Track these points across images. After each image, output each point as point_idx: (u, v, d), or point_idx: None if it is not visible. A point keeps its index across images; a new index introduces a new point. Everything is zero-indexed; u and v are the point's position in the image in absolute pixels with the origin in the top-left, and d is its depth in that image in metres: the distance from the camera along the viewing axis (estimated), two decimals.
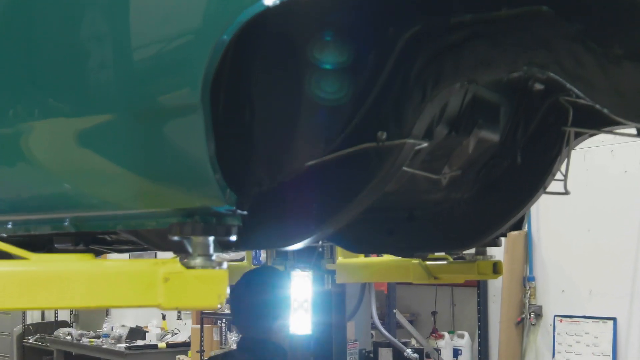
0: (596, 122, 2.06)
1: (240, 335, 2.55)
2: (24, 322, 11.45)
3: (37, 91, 1.45)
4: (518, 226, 2.52)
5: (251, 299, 2.43)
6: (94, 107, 1.40)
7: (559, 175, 2.23)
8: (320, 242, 1.85)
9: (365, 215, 2.44)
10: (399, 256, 2.47)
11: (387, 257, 2.96)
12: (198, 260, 1.43)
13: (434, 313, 6.29)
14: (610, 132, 2.12)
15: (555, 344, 5.83)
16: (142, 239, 1.85)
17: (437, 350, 5.95)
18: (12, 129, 1.47)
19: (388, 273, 2.90)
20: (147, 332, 9.47)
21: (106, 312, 11.11)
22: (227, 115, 1.43)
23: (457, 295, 6.70)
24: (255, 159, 1.51)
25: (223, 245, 1.61)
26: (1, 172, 1.58)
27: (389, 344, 4.15)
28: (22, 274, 1.36)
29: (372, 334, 3.69)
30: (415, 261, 2.74)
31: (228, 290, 1.45)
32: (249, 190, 1.47)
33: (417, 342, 4.93)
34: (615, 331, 5.54)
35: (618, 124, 2.09)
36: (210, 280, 1.41)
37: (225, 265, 1.45)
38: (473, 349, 6.39)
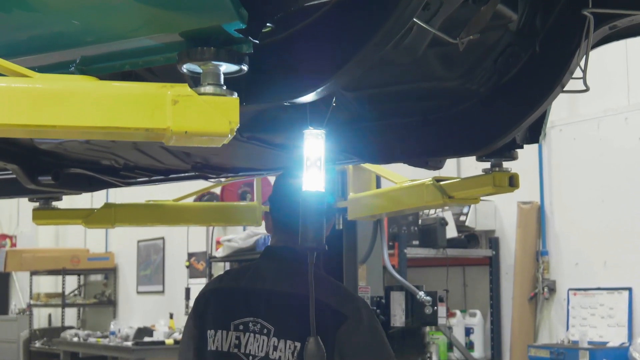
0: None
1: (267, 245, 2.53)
2: (30, 327, 11.36)
3: None
4: (535, 138, 2.47)
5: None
6: None
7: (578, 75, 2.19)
8: (334, 99, 1.80)
9: (378, 122, 2.40)
10: (412, 164, 2.41)
11: (398, 185, 2.90)
12: (208, 88, 1.38)
13: (445, 291, 6.19)
14: (631, 17, 2.08)
15: (570, 317, 5.74)
16: None
17: (449, 328, 5.86)
18: None
19: (401, 199, 2.83)
20: (155, 331, 9.42)
21: (113, 313, 11.03)
22: None
23: (468, 274, 6.62)
24: None
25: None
26: None
27: (401, 288, 4.09)
28: (26, 90, 1.30)
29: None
30: (429, 182, 2.68)
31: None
32: (260, 17, 1.43)
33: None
34: (630, 301, 5.45)
35: (636, 9, 2.06)
36: (221, 105, 1.36)
37: (236, 94, 1.40)
38: (485, 328, 6.30)
